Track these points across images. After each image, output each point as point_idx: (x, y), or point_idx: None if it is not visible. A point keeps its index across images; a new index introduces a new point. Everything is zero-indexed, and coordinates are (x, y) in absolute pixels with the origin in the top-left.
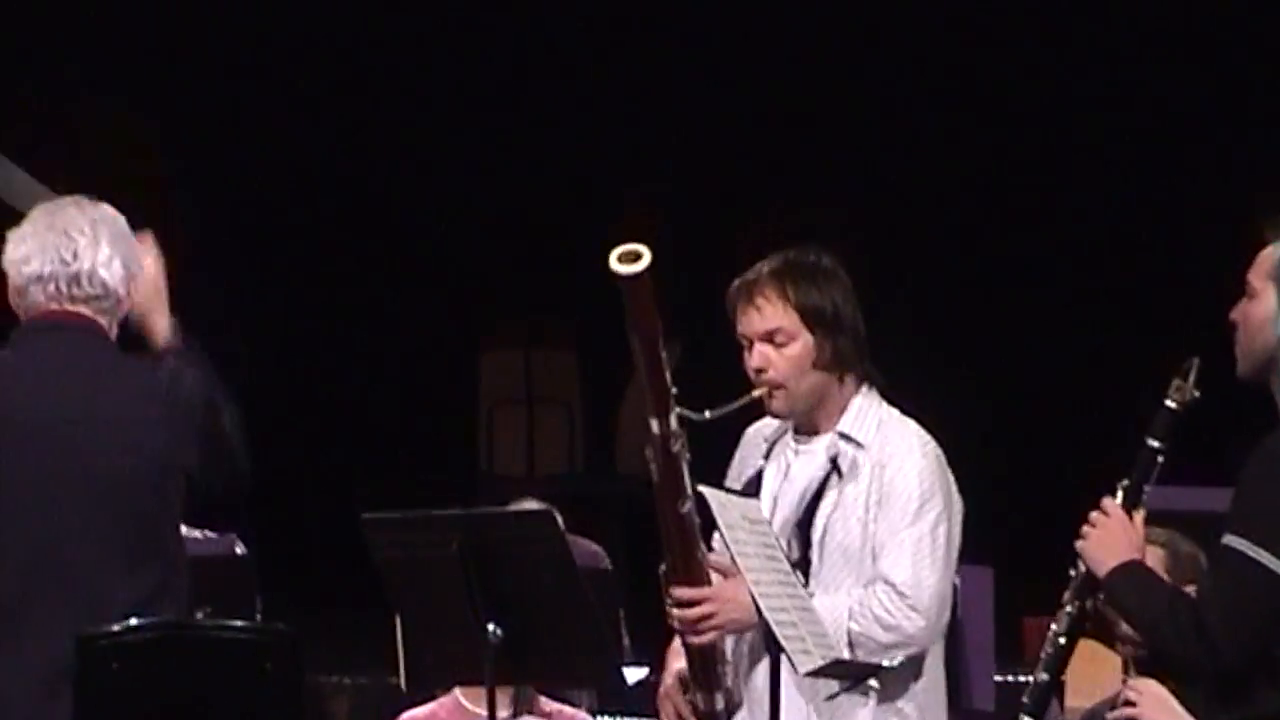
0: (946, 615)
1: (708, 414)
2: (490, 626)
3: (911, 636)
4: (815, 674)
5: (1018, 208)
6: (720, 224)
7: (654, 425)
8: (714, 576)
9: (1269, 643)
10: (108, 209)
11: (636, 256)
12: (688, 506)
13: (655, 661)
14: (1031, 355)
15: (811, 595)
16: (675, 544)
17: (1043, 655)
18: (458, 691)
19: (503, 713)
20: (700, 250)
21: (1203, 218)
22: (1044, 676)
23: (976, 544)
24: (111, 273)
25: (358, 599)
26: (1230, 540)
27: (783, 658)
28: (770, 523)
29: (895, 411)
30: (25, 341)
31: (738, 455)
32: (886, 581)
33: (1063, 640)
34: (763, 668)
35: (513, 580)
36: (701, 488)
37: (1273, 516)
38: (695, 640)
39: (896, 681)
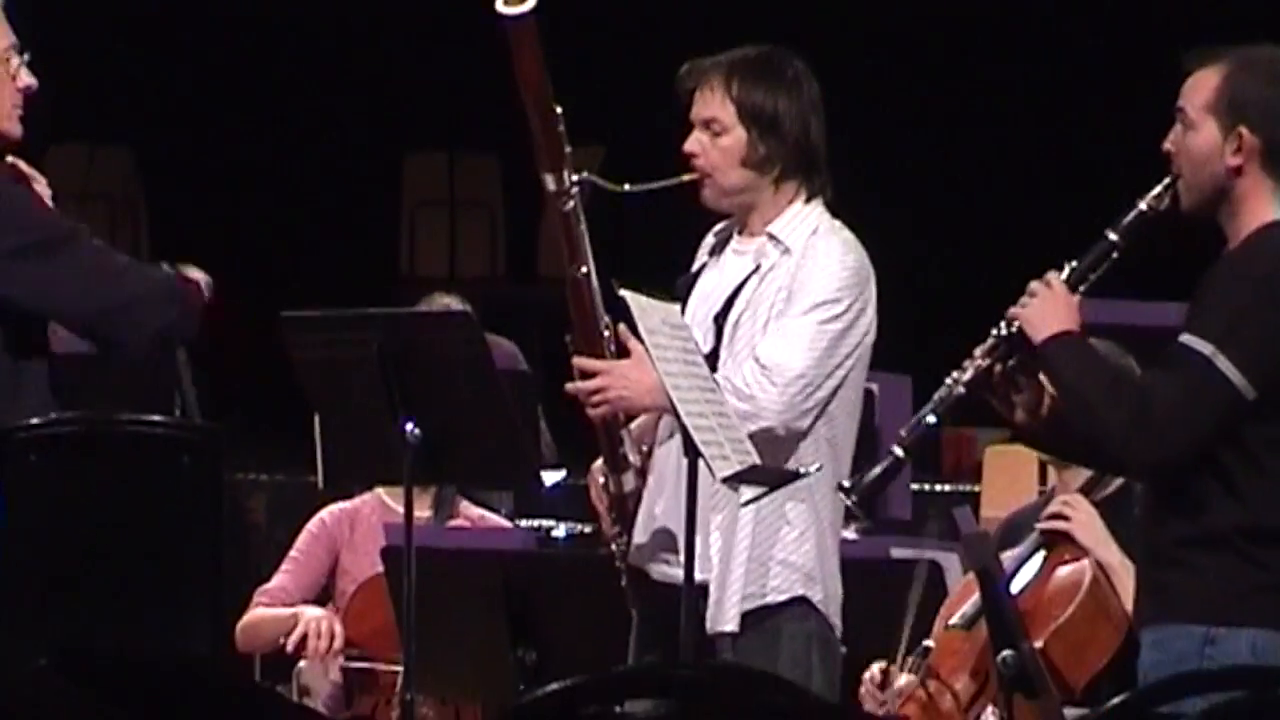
0: (807, 403)
1: (627, 186)
2: (408, 426)
3: (763, 407)
4: (732, 479)
5: (976, 40)
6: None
7: (548, 181)
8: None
9: (1206, 447)
10: None
11: None
12: (583, 271)
13: (572, 465)
14: (973, 175)
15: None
16: (573, 310)
17: (934, 398)
18: (381, 490)
19: (424, 512)
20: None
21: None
22: (930, 419)
23: (897, 354)
24: None
25: (276, 397)
26: (1189, 340)
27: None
28: (689, 327)
29: (835, 223)
30: None
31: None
32: (756, 359)
33: (961, 389)
34: (671, 450)
35: (431, 381)
36: (622, 291)
37: (1234, 322)
38: (590, 413)
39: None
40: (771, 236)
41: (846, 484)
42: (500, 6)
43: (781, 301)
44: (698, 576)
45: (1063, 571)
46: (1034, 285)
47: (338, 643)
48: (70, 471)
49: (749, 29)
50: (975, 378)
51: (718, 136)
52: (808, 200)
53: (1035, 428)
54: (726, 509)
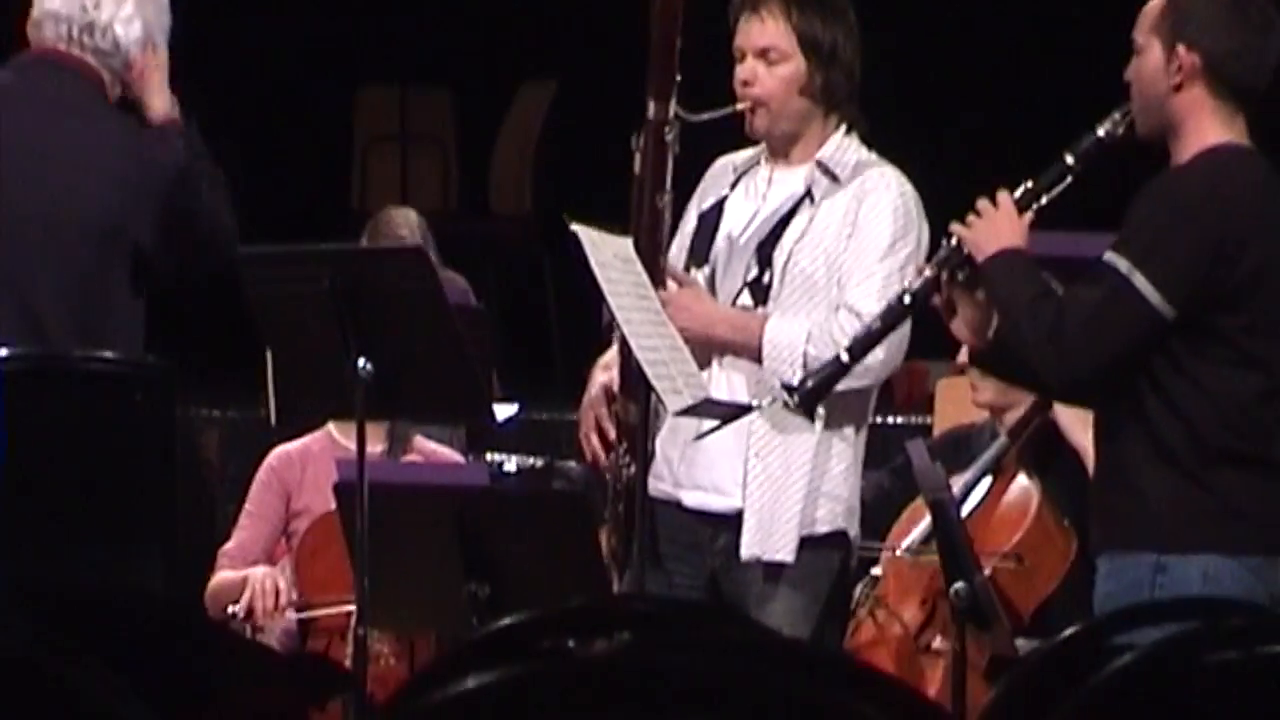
0: (906, 347)
1: (686, 114)
2: (361, 362)
3: (869, 367)
4: (685, 413)
5: None
6: None
7: (651, 109)
8: (670, 284)
9: (1117, 366)
10: None
11: None
12: (665, 200)
13: (525, 400)
14: (997, 111)
15: (768, 316)
16: (643, 240)
17: (883, 307)
18: (331, 426)
19: (375, 447)
20: None
21: None
22: (876, 324)
23: None
24: (128, 31)
25: (229, 333)
26: (1110, 257)
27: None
28: (637, 260)
29: (874, 155)
30: (23, 70)
31: (701, 186)
32: (852, 310)
33: (907, 299)
34: (710, 378)
35: (384, 316)
36: (573, 225)
37: (1155, 241)
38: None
39: (848, 411)
40: (821, 165)
41: (792, 384)
42: None
43: (846, 237)
44: (729, 504)
45: (1009, 497)
46: (982, 203)
47: (283, 599)
48: (21, 407)
49: None
50: (922, 288)
51: (774, 65)
52: (848, 131)
53: (984, 350)
54: (775, 437)
